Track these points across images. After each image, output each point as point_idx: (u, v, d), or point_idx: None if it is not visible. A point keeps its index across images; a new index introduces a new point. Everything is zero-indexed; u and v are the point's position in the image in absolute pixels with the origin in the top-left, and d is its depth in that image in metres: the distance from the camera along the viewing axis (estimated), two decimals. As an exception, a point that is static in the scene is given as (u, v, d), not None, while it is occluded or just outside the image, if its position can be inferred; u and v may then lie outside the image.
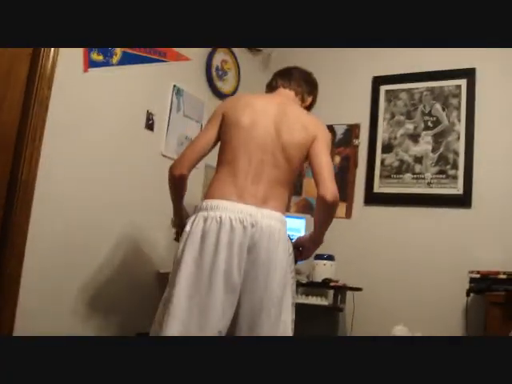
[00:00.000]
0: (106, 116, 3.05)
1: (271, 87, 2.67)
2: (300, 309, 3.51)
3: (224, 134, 2.43)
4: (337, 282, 3.51)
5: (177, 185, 2.46)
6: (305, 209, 4.09)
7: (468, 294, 3.32)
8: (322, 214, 2.42)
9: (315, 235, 2.52)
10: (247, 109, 2.43)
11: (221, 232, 2.20)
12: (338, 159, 4.12)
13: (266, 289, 2.22)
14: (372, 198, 3.97)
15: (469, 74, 3.80)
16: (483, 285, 3.22)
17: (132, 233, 3.18)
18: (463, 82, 3.82)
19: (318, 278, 3.54)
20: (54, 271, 2.75)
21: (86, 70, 2.91)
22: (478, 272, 3.28)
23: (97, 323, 2.98)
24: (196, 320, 2.16)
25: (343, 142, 4.14)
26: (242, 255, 2.20)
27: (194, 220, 2.27)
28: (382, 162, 3.97)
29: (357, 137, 4.10)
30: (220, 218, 2.22)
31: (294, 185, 2.52)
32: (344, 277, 3.59)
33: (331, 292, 3.61)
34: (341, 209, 4.01)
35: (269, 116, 2.41)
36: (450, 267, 3.58)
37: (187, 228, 2.28)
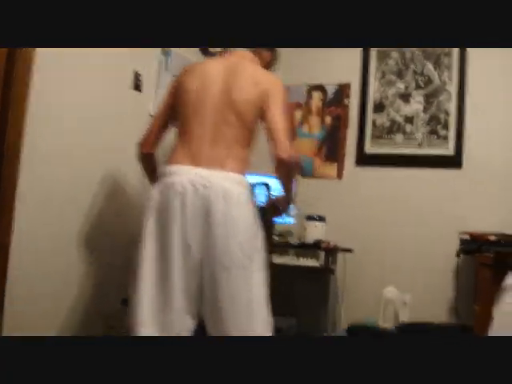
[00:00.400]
0: (92, 77, 2.96)
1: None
2: (291, 270, 3.56)
3: (177, 104, 2.45)
4: (328, 243, 3.51)
5: (146, 161, 2.59)
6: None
7: (458, 255, 3.34)
8: (280, 174, 2.37)
9: (285, 196, 2.51)
10: (196, 74, 2.44)
11: (174, 197, 2.21)
12: (328, 119, 4.08)
13: (225, 251, 2.19)
14: (363, 159, 3.94)
15: (461, 32, 3.74)
16: (473, 246, 3.23)
17: (120, 191, 3.15)
18: (455, 41, 3.76)
19: (310, 240, 3.53)
20: (44, 227, 2.72)
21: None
22: (469, 233, 3.29)
23: (84, 281, 2.97)
24: (161, 289, 2.21)
25: (334, 101, 4.09)
26: (197, 218, 2.19)
27: (155, 188, 2.31)
28: (373, 122, 3.94)
29: (348, 96, 4.05)
30: (173, 182, 2.24)
31: (252, 143, 2.43)
32: (335, 238, 3.59)
33: (322, 253, 3.62)
34: (332, 169, 3.99)
35: (219, 77, 2.39)
36: (441, 228, 3.59)
37: (150, 196, 2.31)
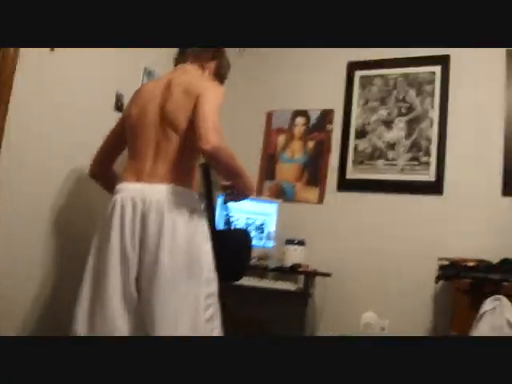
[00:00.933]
0: (74, 97, 2.99)
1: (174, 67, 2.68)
2: (269, 294, 3.54)
3: (125, 128, 2.53)
4: (307, 267, 3.50)
5: (97, 180, 2.74)
6: (277, 194, 4.06)
7: (437, 282, 3.32)
8: (217, 169, 2.39)
9: (237, 185, 2.45)
10: (138, 97, 2.51)
11: (114, 212, 2.29)
12: (311, 144, 4.10)
13: (156, 261, 2.20)
14: (345, 184, 3.94)
15: (443, 60, 3.78)
16: (452, 271, 3.22)
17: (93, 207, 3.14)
18: (437, 69, 3.80)
19: (289, 263, 3.52)
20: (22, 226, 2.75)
21: (52, 50, 2.84)
22: (448, 259, 3.28)
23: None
24: (98, 302, 2.24)
25: (317, 127, 4.11)
26: (135, 231, 2.24)
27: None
28: (355, 147, 3.95)
29: (330, 122, 4.07)
30: (115, 200, 2.31)
31: (194, 154, 2.39)
32: (314, 262, 3.59)
33: (301, 277, 3.60)
34: (313, 194, 4.00)
35: (157, 95, 2.43)
36: (421, 254, 3.57)
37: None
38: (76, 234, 3.01)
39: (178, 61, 2.64)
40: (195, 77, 2.51)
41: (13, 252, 2.70)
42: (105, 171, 2.69)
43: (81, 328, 2.25)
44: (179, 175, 2.33)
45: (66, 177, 2.99)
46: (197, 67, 2.57)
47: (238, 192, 2.46)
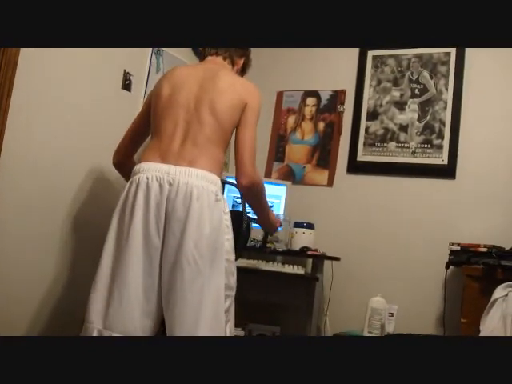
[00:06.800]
0: (81, 75, 2.94)
1: (201, 58, 2.66)
2: (277, 277, 3.50)
3: (151, 110, 2.45)
4: (315, 250, 3.46)
5: (120, 170, 2.66)
6: (286, 176, 4.00)
7: (447, 267, 3.27)
8: (245, 198, 2.48)
9: (258, 218, 2.63)
10: (171, 78, 2.43)
11: (138, 192, 2.20)
12: (321, 125, 4.03)
13: (180, 246, 2.15)
14: (355, 167, 3.87)
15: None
16: (463, 257, 3.17)
17: (105, 189, 3.11)
18: (452, 50, 3.71)
19: (297, 247, 3.48)
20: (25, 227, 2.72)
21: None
22: (459, 244, 3.22)
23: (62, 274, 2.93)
24: (116, 286, 2.17)
25: (328, 107, 4.04)
26: (160, 215, 2.17)
27: (124, 187, 2.30)
28: (367, 129, 3.88)
29: (342, 103, 4.00)
30: (139, 179, 2.22)
31: (227, 145, 2.44)
32: (323, 246, 3.54)
33: (310, 261, 3.56)
34: (323, 176, 3.94)
35: (194, 79, 2.39)
36: (432, 239, 3.52)
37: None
38: (88, 229, 3.01)
39: (208, 52, 2.60)
40: (237, 75, 2.56)
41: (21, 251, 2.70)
42: (126, 160, 2.60)
43: (95, 317, 2.18)
44: (210, 161, 2.27)
45: (75, 167, 2.95)
46: (228, 62, 2.59)
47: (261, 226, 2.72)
